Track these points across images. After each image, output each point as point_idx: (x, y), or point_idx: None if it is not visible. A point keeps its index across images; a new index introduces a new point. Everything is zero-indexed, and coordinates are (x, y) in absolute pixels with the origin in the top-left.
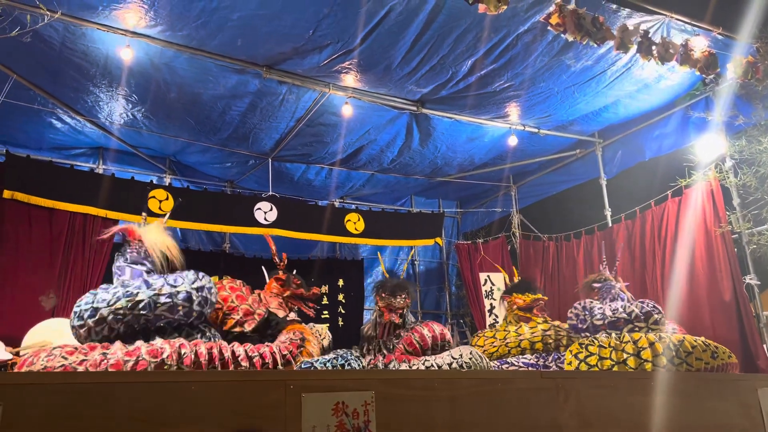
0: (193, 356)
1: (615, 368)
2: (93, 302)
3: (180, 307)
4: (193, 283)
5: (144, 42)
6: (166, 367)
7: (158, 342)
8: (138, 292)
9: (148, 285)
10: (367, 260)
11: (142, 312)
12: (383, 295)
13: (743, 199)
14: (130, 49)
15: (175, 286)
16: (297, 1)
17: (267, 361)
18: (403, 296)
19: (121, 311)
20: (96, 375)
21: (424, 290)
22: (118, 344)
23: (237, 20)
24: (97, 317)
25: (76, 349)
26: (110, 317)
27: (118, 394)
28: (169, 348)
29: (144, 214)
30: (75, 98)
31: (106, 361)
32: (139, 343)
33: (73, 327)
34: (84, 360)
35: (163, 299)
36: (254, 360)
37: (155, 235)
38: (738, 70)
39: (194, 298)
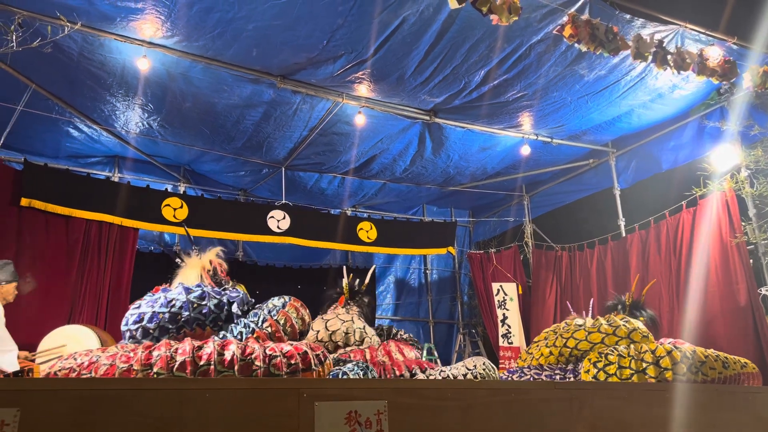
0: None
1: (635, 377)
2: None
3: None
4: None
5: (160, 52)
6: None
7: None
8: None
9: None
10: (379, 268)
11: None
12: None
13: (759, 209)
14: (147, 59)
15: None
16: (311, 12)
17: (294, 361)
18: None
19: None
20: (111, 381)
21: (436, 300)
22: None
23: (252, 31)
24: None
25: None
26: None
27: (133, 401)
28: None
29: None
30: (92, 107)
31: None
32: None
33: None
34: (90, 362)
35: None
36: (275, 360)
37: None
38: (754, 79)
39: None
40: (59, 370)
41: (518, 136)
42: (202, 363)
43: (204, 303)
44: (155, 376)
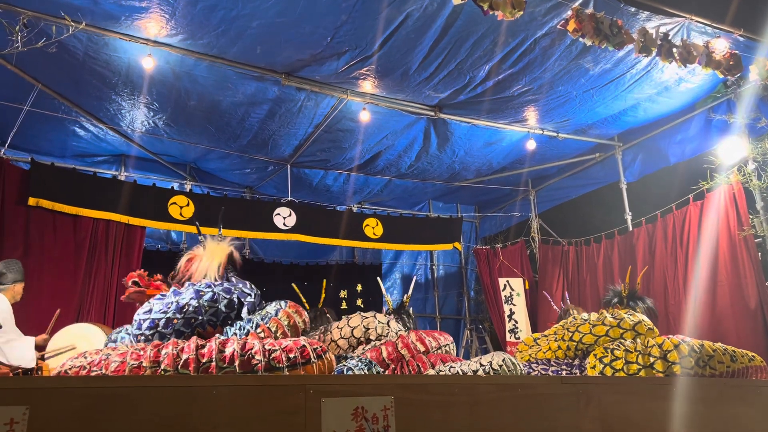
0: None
1: (642, 372)
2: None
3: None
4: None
5: (165, 51)
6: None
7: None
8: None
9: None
10: (385, 265)
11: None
12: None
13: (766, 202)
14: (152, 57)
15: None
16: (315, 8)
17: (293, 355)
18: None
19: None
20: (120, 379)
21: (443, 295)
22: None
23: (256, 28)
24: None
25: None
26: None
27: (141, 399)
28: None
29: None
30: (98, 106)
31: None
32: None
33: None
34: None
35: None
36: (274, 354)
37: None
38: (761, 72)
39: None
40: (70, 368)
41: (524, 131)
42: (204, 360)
43: (216, 305)
44: (162, 373)
